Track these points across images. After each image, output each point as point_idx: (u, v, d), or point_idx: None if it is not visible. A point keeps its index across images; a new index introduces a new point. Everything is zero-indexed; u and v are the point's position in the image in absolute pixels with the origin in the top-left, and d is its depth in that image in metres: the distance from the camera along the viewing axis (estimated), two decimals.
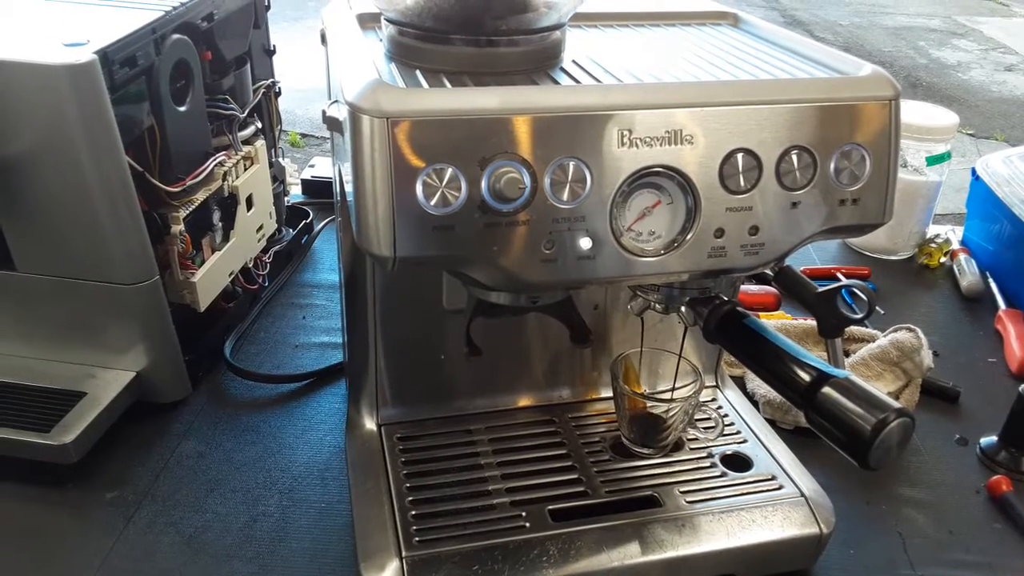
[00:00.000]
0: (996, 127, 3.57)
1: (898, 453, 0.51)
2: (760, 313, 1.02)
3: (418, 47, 0.57)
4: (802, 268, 1.12)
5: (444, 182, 0.49)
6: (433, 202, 0.49)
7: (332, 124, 0.56)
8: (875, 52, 4.48)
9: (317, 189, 1.28)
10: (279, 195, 1.08)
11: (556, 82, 0.56)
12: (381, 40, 0.62)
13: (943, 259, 1.17)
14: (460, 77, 0.55)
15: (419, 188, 0.49)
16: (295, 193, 1.29)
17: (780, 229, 0.55)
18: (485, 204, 0.50)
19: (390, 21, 0.59)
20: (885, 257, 1.18)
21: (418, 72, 0.56)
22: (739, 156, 0.53)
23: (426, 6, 0.55)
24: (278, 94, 1.05)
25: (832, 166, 0.54)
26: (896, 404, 0.49)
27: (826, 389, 0.51)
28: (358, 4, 0.70)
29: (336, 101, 0.55)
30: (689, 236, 0.54)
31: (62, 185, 0.71)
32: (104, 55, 0.68)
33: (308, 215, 1.18)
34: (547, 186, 0.51)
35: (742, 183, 0.53)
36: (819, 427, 0.52)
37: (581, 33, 0.69)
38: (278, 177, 1.08)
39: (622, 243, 0.53)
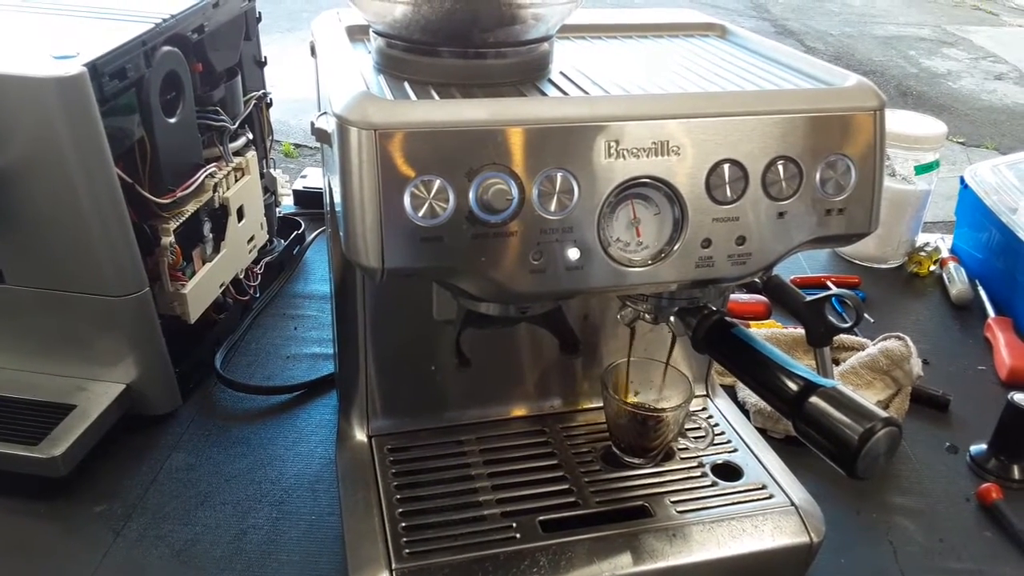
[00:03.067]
0: (986, 135, 3.60)
1: (886, 462, 0.51)
2: (751, 322, 1.02)
3: (406, 59, 0.58)
4: (792, 277, 1.13)
5: (432, 193, 0.49)
6: (421, 213, 0.49)
7: (321, 136, 0.56)
8: (866, 61, 4.51)
9: (309, 200, 1.28)
10: (270, 206, 1.08)
11: (544, 94, 0.56)
12: (370, 52, 0.62)
13: (933, 267, 1.17)
14: (448, 89, 0.56)
15: (407, 199, 0.49)
16: (287, 204, 1.29)
17: (767, 239, 0.55)
18: (473, 215, 0.50)
19: (378, 33, 0.59)
20: (875, 266, 1.19)
21: (406, 84, 0.56)
22: (726, 167, 0.53)
23: (414, 18, 0.55)
24: (269, 105, 1.05)
25: (818, 176, 0.54)
26: (883, 413, 0.50)
27: (813, 399, 0.51)
28: (347, 16, 0.70)
29: (325, 113, 0.55)
30: (676, 246, 0.54)
31: (51, 197, 0.71)
32: (93, 67, 0.68)
33: (300, 226, 1.18)
34: (535, 197, 0.51)
35: (729, 193, 0.53)
36: (807, 437, 0.52)
37: (569, 45, 0.70)
38: (269, 188, 1.08)
39: (610, 253, 0.53)
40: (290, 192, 1.30)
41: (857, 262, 1.20)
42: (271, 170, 1.09)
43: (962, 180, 1.19)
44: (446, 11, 0.54)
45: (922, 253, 1.17)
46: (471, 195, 0.50)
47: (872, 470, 0.50)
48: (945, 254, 1.19)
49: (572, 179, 0.51)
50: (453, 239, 0.50)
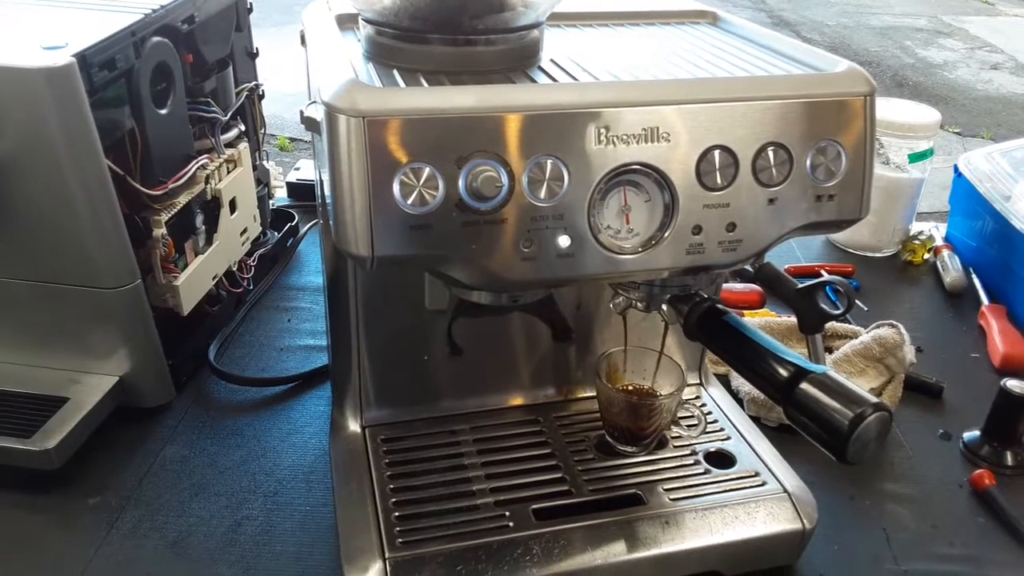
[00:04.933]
0: (982, 125, 3.59)
1: (876, 447, 0.51)
2: (745, 311, 1.03)
3: (396, 47, 0.57)
4: (786, 266, 1.13)
5: (421, 181, 0.49)
6: (410, 201, 0.49)
7: (310, 124, 0.56)
8: (862, 52, 4.50)
9: (302, 192, 1.28)
10: (263, 198, 1.07)
11: (534, 81, 0.56)
12: (359, 40, 0.62)
13: (927, 255, 1.18)
14: (437, 76, 0.55)
15: (396, 187, 0.49)
16: (280, 196, 1.28)
17: (757, 225, 0.55)
18: (463, 203, 0.50)
19: (368, 21, 0.59)
20: (869, 254, 1.19)
21: (395, 72, 0.56)
22: (716, 153, 0.53)
23: (403, 6, 0.55)
24: (261, 97, 1.05)
25: (808, 162, 0.54)
26: (873, 399, 0.50)
27: (804, 385, 0.51)
28: (337, 5, 0.70)
29: (314, 102, 0.55)
30: (667, 233, 0.54)
31: (41, 189, 0.70)
32: (82, 58, 0.67)
33: (293, 218, 1.18)
34: (525, 184, 0.51)
35: (719, 180, 0.53)
36: (798, 423, 0.52)
37: (560, 32, 0.70)
38: (262, 180, 1.08)
39: (600, 241, 0.53)
40: (283, 184, 1.30)
41: (851, 250, 1.20)
42: (264, 162, 1.09)
43: (956, 168, 1.19)
44: None
45: (916, 241, 1.17)
46: (461, 182, 0.50)
47: (862, 455, 0.50)
48: (939, 242, 1.20)
49: (562, 166, 0.51)
50: (443, 227, 0.50)
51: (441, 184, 0.49)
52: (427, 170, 0.49)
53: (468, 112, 0.49)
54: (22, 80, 0.65)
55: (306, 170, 1.32)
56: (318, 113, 0.52)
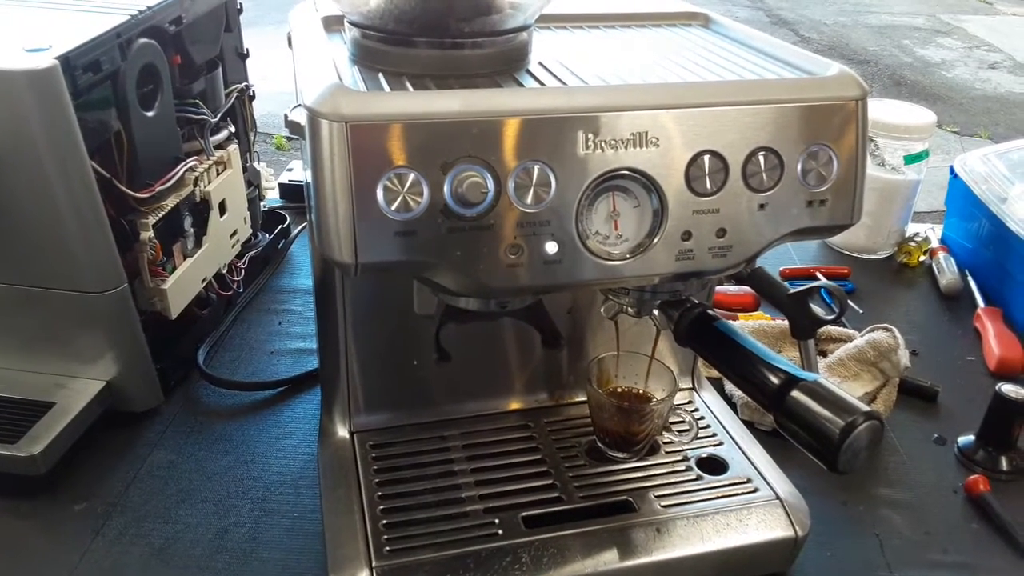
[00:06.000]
0: (980, 125, 3.59)
1: (868, 456, 0.50)
2: (739, 314, 1.02)
3: (381, 50, 0.57)
4: (781, 268, 1.12)
5: (406, 187, 0.48)
6: (394, 207, 0.49)
7: (294, 129, 0.55)
8: (860, 51, 4.50)
9: (294, 193, 1.27)
10: (254, 200, 1.07)
11: (521, 85, 0.56)
12: (345, 43, 0.61)
13: (922, 258, 1.17)
14: (423, 80, 0.55)
15: (380, 193, 0.48)
16: (272, 197, 1.27)
17: (748, 231, 0.54)
18: (448, 209, 0.49)
19: (353, 24, 0.58)
20: (864, 256, 1.18)
21: (381, 75, 0.55)
22: (705, 158, 0.52)
23: (388, 8, 0.54)
24: (252, 98, 1.04)
25: (799, 167, 0.54)
26: (865, 407, 0.49)
27: (795, 392, 0.51)
28: (324, 6, 0.69)
29: (299, 105, 0.54)
30: (656, 239, 0.53)
31: (25, 192, 0.70)
32: (66, 60, 0.67)
33: (285, 219, 1.17)
34: (511, 190, 0.50)
35: (708, 185, 0.52)
36: (788, 431, 0.52)
37: (549, 34, 0.69)
38: (253, 181, 1.07)
39: (589, 247, 0.52)
40: (275, 186, 1.29)
41: (847, 252, 1.19)
42: (255, 163, 1.08)
43: (952, 169, 1.18)
44: (421, 0, 0.53)
45: (912, 243, 1.17)
46: (446, 188, 0.49)
47: (853, 465, 0.49)
48: (935, 244, 1.19)
49: (549, 171, 0.50)
50: (428, 233, 0.50)
51: (426, 190, 0.49)
52: (412, 176, 0.48)
53: (453, 117, 0.49)
54: (4, 83, 0.64)
55: (298, 171, 1.31)
56: (302, 117, 0.51)
